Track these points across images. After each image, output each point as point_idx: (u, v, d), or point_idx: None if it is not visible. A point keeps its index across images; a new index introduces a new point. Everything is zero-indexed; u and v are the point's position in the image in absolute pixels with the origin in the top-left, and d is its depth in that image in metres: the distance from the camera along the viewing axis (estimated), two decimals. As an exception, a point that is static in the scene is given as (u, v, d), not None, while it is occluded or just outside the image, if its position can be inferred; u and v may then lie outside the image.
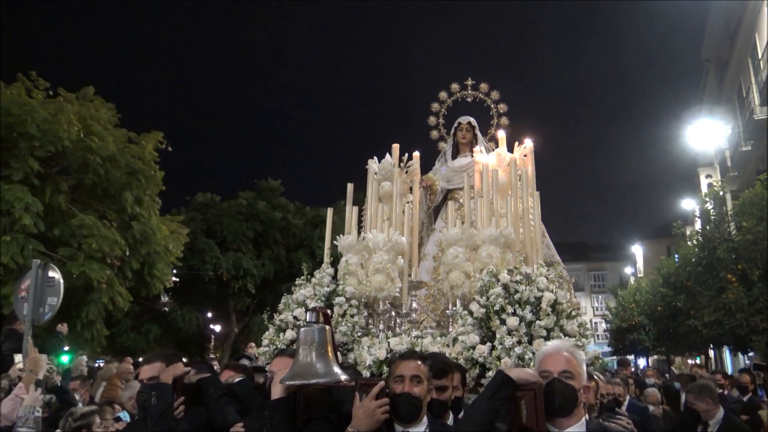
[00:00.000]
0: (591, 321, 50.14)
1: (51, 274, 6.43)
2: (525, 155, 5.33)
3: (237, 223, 21.41)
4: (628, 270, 46.01)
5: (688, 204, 22.86)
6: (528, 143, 5.36)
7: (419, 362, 2.70)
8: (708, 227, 13.23)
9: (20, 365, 5.13)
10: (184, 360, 3.37)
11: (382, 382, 2.53)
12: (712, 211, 13.41)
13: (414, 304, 4.99)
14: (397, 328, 4.64)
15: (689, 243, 14.57)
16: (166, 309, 22.62)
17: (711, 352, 22.02)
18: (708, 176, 26.42)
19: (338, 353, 2.48)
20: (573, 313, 4.11)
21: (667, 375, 15.59)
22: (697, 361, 22.28)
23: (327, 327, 2.40)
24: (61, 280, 6.45)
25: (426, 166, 6.18)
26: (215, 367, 4.98)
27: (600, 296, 50.73)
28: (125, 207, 11.87)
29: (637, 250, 42.46)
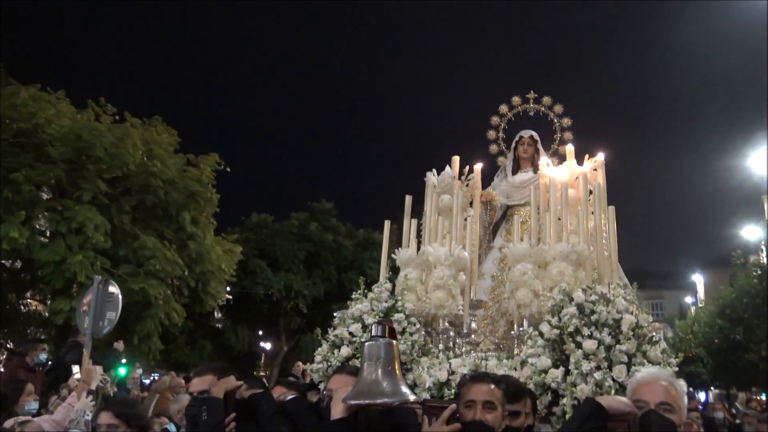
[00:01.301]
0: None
1: (111, 289, 6.81)
2: (596, 169, 5.06)
3: (289, 244, 21.91)
4: (688, 299, 44.25)
5: (750, 232, 22.00)
6: (600, 156, 5.11)
7: (492, 386, 2.50)
8: (762, 258, 12.77)
9: (78, 375, 5.48)
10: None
11: (454, 406, 2.35)
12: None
13: (473, 325, 4.75)
14: (457, 349, 4.40)
15: (750, 273, 14.09)
16: (219, 326, 23.28)
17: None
18: (773, 203, 25.36)
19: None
20: (655, 338, 3.81)
21: (733, 410, 14.88)
22: (763, 398, 21.19)
23: (394, 342, 2.21)
24: (120, 296, 6.82)
25: (485, 182, 6.00)
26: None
27: (660, 326, 48.93)
28: (183, 227, 12.46)
29: (698, 278, 40.84)
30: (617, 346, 3.59)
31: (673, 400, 2.22)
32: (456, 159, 5.19)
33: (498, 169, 6.23)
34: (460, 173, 5.18)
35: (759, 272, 12.90)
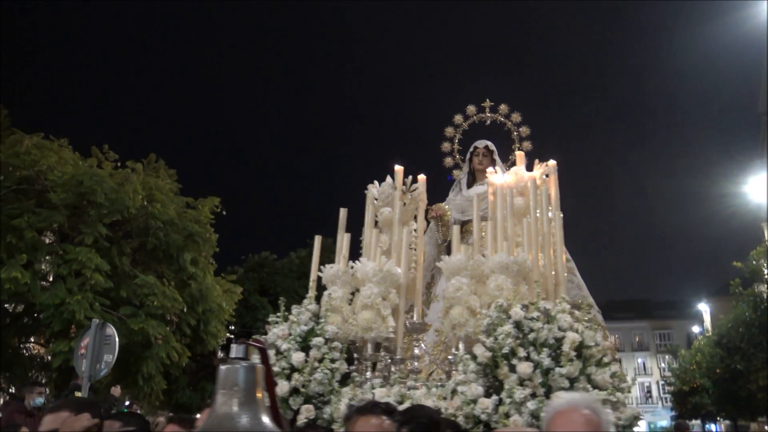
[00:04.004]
0: (657, 383, 47.81)
1: (108, 332, 7.03)
2: (547, 175, 4.70)
3: (289, 281, 22.14)
4: (695, 329, 43.90)
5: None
6: (551, 162, 4.80)
7: (383, 418, 2.14)
8: (758, 286, 12.88)
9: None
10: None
11: None
12: (765, 270, 13.07)
13: (416, 351, 4.23)
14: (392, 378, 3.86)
15: (747, 302, 14.16)
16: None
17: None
18: (773, 231, 25.45)
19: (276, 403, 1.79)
20: (606, 359, 3.36)
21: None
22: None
23: (259, 366, 1.72)
24: (116, 338, 7.00)
25: (441, 197, 5.69)
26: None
27: (667, 356, 48.48)
28: (183, 267, 12.70)
29: (704, 307, 40.57)
30: (556, 369, 3.14)
31: (596, 430, 1.87)
32: (399, 169, 4.71)
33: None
34: (404, 184, 4.69)
35: (754, 301, 12.96)
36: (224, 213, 13.95)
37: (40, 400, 7.57)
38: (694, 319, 44.95)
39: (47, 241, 11.77)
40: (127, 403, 13.45)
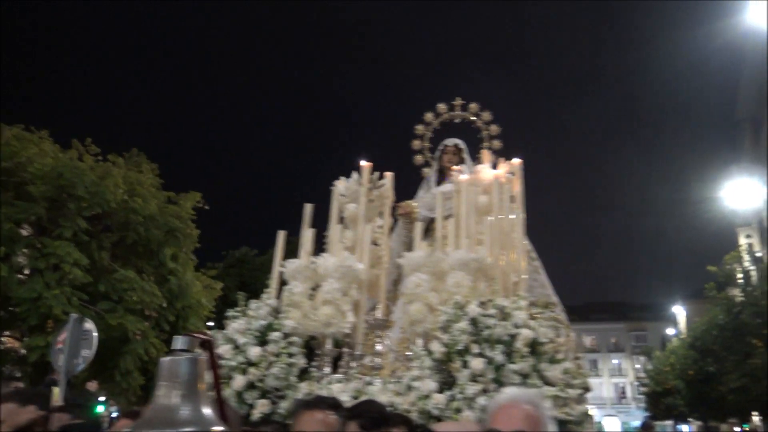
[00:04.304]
0: (632, 383, 48.50)
1: (86, 326, 6.97)
2: (512, 173, 4.73)
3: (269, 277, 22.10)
4: (670, 331, 44.62)
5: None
6: (516, 160, 4.85)
7: (329, 413, 2.09)
8: (731, 290, 13.16)
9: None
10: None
11: None
12: (738, 274, 13.35)
13: (379, 347, 4.25)
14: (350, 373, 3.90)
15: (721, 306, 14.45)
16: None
17: (757, 419, 21.15)
18: (747, 236, 25.97)
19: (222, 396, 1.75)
20: (560, 356, 3.40)
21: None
22: (746, 429, 21.38)
23: (201, 359, 1.66)
24: (95, 333, 6.95)
25: (412, 195, 5.73)
26: None
27: (642, 358, 49.23)
28: (163, 263, 12.61)
29: (679, 310, 41.26)
30: (509, 365, 3.16)
31: (533, 427, 1.85)
32: (367, 165, 4.72)
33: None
34: (371, 181, 4.70)
35: (727, 305, 13.23)
36: (207, 208, 13.88)
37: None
38: (669, 322, 45.68)
39: (25, 233, 11.62)
40: (102, 398, 13.34)
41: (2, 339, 13.18)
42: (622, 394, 51.08)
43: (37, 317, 10.42)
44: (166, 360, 1.56)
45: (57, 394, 5.79)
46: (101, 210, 11.57)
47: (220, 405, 1.65)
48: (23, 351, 12.20)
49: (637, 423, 42.13)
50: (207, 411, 1.50)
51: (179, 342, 1.57)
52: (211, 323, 17.51)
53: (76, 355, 6.66)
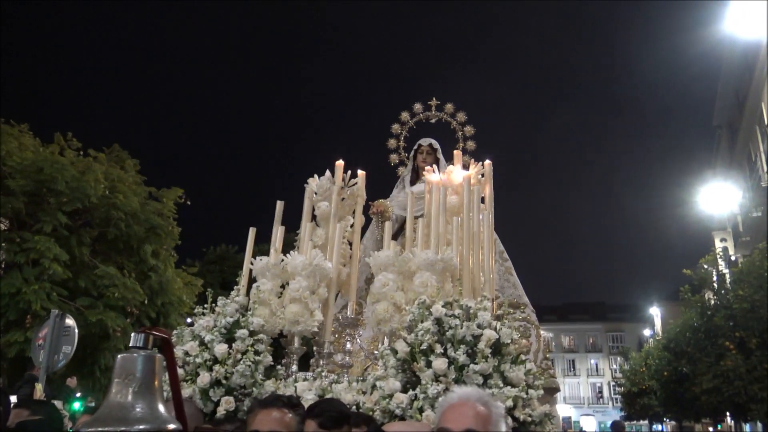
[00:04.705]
0: (609, 383, 49.16)
1: (67, 323, 6.94)
2: (482, 175, 4.80)
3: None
4: (646, 332, 45.33)
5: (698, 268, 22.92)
6: (487, 161, 4.94)
7: (285, 412, 2.06)
8: (706, 294, 13.45)
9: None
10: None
11: None
12: (713, 278, 13.64)
13: (349, 345, 4.33)
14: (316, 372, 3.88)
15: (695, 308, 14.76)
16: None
17: (729, 419, 21.61)
18: (722, 240, 26.47)
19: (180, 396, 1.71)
20: (523, 357, 3.44)
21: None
22: (719, 428, 21.82)
23: (157, 356, 1.63)
24: (76, 329, 6.92)
25: (387, 194, 5.80)
26: None
27: (618, 358, 49.93)
28: (144, 259, 12.55)
29: (655, 311, 41.92)
30: (470, 366, 3.16)
31: (483, 426, 1.80)
32: (340, 164, 4.74)
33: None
34: (344, 179, 4.72)
35: (701, 307, 13.52)
36: (189, 203, 13.83)
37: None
38: (646, 323, 46.41)
39: (4, 228, 11.50)
40: (78, 394, 13.23)
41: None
42: (599, 394, 51.73)
43: (16, 312, 10.32)
44: (120, 357, 1.54)
45: (40, 390, 5.78)
46: (82, 205, 11.48)
47: (177, 402, 1.63)
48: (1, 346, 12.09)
49: (613, 422, 42.73)
50: (161, 408, 1.48)
51: (135, 339, 1.56)
52: (190, 320, 17.52)
53: (57, 351, 6.64)
